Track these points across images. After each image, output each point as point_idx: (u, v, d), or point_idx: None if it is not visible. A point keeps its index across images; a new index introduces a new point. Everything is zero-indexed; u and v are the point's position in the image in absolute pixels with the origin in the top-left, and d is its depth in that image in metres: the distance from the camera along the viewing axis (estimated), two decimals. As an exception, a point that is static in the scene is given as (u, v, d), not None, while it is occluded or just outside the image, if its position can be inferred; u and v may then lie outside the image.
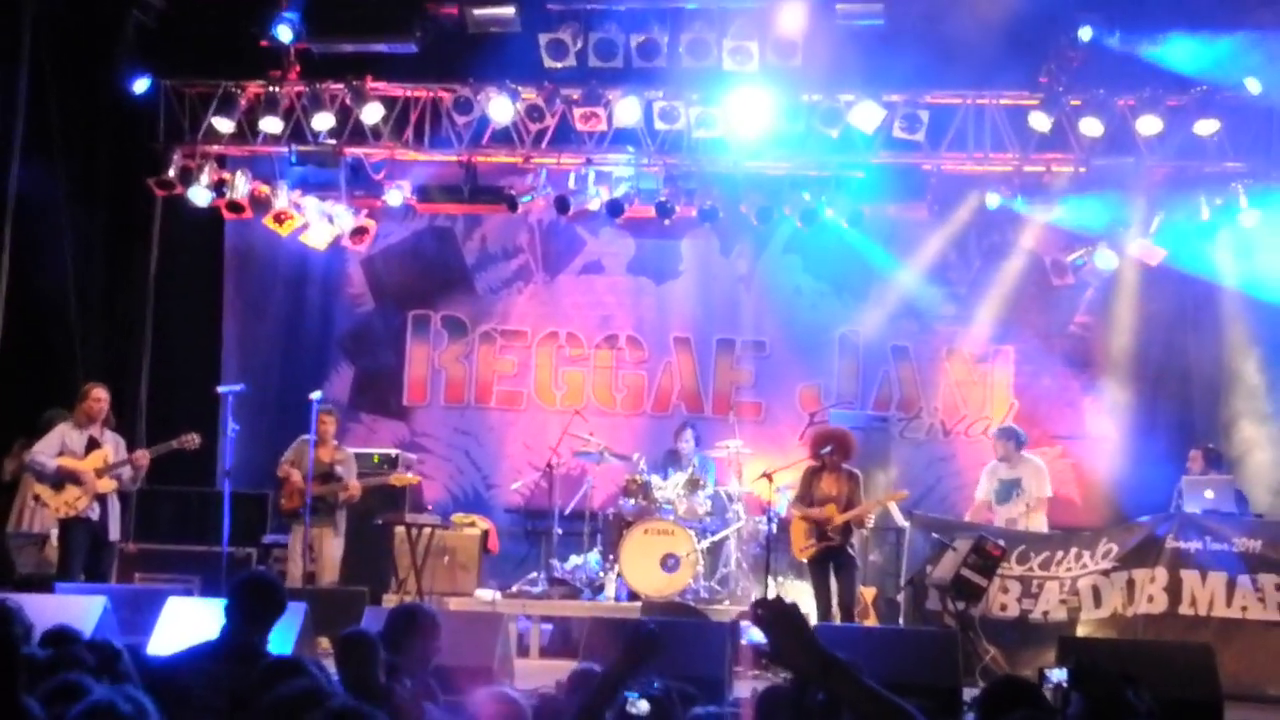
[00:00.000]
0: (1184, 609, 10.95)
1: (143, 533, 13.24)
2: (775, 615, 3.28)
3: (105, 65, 13.87)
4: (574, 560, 13.29)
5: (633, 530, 12.58)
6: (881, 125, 13.52)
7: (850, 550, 11.77)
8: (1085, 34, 12.73)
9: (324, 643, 9.01)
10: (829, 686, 3.30)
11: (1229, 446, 13.61)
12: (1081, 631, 11.05)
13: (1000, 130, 13.73)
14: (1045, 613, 11.36)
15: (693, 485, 13.01)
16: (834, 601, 11.55)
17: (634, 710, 4.38)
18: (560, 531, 13.67)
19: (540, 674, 6.85)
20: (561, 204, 14.60)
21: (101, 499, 11.46)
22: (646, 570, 12.37)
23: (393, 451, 14.21)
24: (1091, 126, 13.17)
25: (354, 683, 5.60)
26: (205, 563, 12.34)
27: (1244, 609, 10.83)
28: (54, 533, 11.57)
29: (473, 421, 15.76)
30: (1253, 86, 12.58)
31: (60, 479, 11.35)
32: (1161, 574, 11.07)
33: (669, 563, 12.38)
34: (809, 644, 3.24)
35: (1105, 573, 11.30)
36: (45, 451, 11.37)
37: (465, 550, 13.49)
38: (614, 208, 14.50)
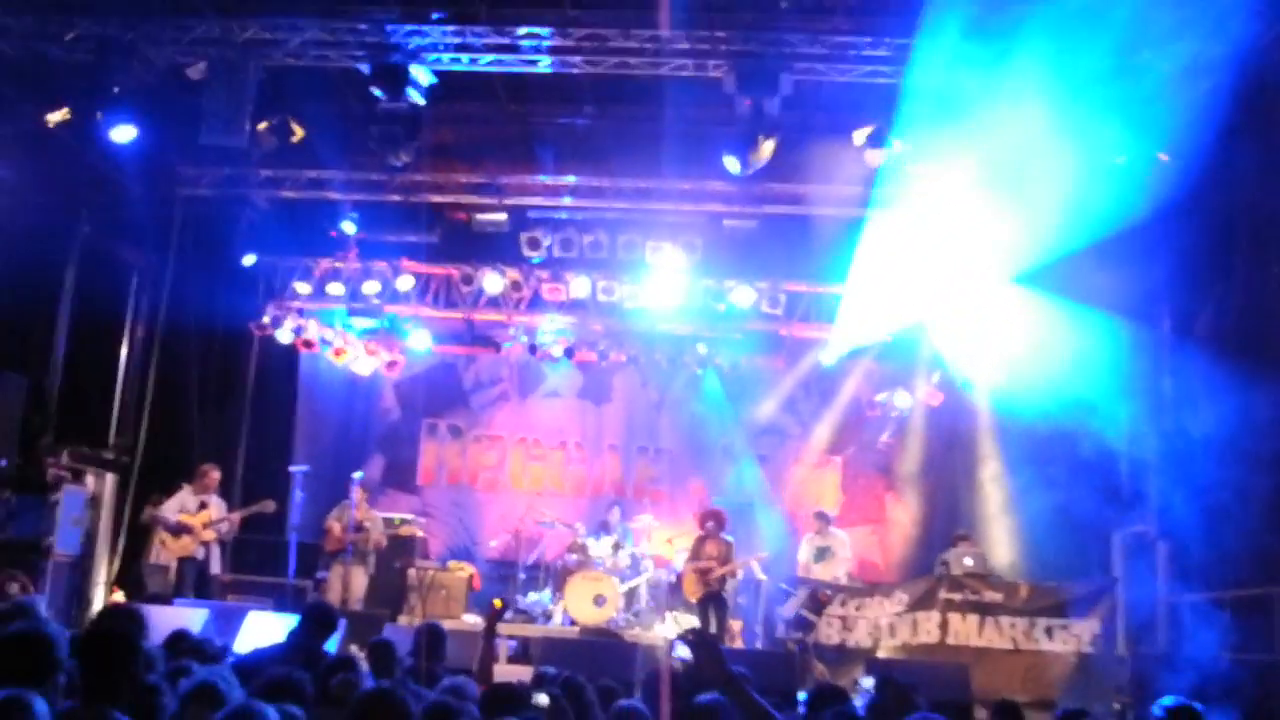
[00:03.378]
0: (950, 640, 10.84)
1: (235, 566, 13.02)
2: (700, 640, 3.42)
3: (226, 245, 13.97)
4: (532, 596, 13.12)
5: (574, 577, 12.46)
6: (754, 303, 13.74)
7: (724, 595, 11.82)
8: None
9: (353, 648, 8.92)
10: (728, 692, 3.39)
11: (982, 528, 13.62)
12: (881, 654, 10.89)
13: (833, 310, 13.81)
14: (857, 642, 11.21)
15: (617, 547, 12.96)
16: (713, 630, 11.54)
17: (536, 702, 4.02)
18: (523, 576, 13.51)
19: (506, 675, 6.85)
20: (532, 349, 14.79)
21: (206, 545, 11.41)
22: (583, 605, 12.21)
23: (408, 516, 14.11)
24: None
25: (381, 675, 5.64)
26: (277, 589, 12.15)
27: (990, 641, 10.85)
28: (173, 566, 11.40)
29: (465, 498, 15.66)
30: None
31: (178, 530, 11.30)
32: (935, 616, 10.98)
33: (599, 600, 12.22)
34: (720, 663, 3.36)
35: (899, 614, 11.20)
36: (169, 510, 11.37)
37: (456, 587, 13.26)
38: (569, 352, 14.77)
